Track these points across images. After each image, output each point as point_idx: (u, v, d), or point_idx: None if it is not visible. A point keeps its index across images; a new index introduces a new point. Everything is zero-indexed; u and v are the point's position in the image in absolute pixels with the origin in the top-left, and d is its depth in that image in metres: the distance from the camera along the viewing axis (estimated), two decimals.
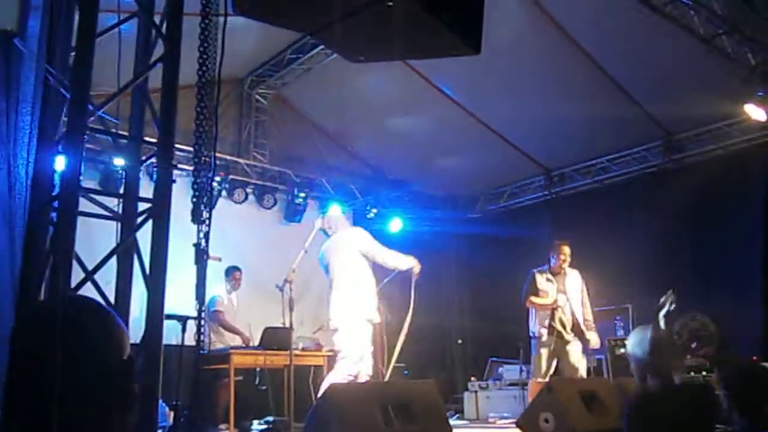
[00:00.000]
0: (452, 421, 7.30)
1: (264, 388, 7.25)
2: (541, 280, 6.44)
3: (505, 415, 7.20)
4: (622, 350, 7.20)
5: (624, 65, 7.06)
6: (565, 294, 6.39)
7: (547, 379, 6.16)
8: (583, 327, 6.27)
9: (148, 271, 2.66)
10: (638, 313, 7.54)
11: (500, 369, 8.20)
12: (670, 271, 7.24)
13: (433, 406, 4.43)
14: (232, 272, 7.42)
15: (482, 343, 9.17)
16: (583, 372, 6.28)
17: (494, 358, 8.44)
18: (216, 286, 7.31)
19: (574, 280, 6.50)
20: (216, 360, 6.69)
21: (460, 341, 10.35)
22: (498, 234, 9.22)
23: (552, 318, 6.29)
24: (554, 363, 6.28)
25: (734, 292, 6.81)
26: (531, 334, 6.50)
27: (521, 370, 7.84)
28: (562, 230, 8.25)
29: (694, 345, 6.30)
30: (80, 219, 2.71)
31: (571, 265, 6.41)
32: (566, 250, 6.43)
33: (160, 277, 2.66)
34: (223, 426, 6.63)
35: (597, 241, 7.48)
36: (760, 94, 6.05)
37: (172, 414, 3.79)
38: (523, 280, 8.91)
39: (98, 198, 3.04)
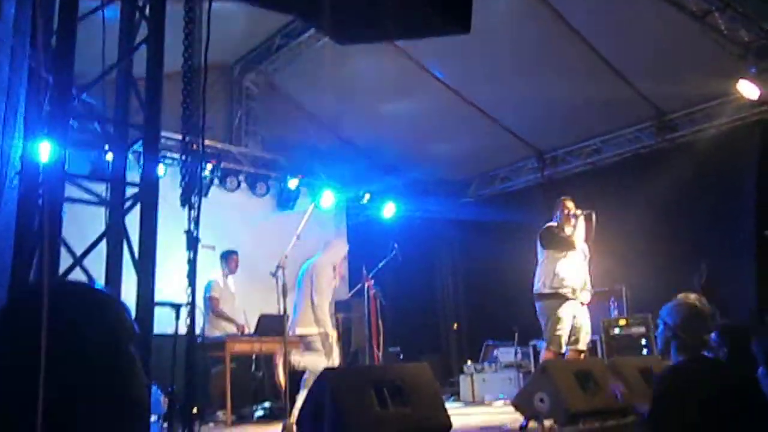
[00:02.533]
0: (448, 404, 7.34)
1: (260, 374, 7.27)
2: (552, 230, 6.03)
3: (501, 396, 7.24)
4: (617, 330, 7.23)
5: (616, 45, 7.02)
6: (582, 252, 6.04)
7: (564, 350, 5.82)
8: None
9: (137, 256, 2.64)
10: (632, 294, 7.56)
11: (495, 352, 8.24)
12: (663, 251, 7.26)
13: (427, 388, 4.44)
14: (228, 256, 7.40)
15: (477, 327, 9.21)
16: (587, 338, 6.03)
17: (489, 341, 8.47)
18: (212, 272, 7.31)
19: (581, 234, 6.06)
20: (212, 348, 6.70)
21: (455, 325, 10.37)
22: (491, 218, 9.22)
23: (569, 273, 5.86)
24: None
25: (728, 269, 6.84)
26: (541, 292, 5.99)
27: (516, 353, 7.88)
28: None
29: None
30: (70, 206, 2.69)
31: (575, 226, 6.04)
32: (569, 204, 6.11)
33: (150, 261, 2.64)
34: (220, 413, 6.65)
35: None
36: (753, 70, 6.01)
37: (167, 401, 3.78)
38: (517, 264, 8.94)
39: (87, 185, 3.01)
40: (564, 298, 5.90)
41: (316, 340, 5.98)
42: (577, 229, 6.04)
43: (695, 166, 7.31)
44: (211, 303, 7.14)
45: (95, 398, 1.02)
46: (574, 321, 5.91)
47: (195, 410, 6.46)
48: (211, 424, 6.44)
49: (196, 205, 3.20)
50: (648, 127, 8.09)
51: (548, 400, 4.87)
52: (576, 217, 6.05)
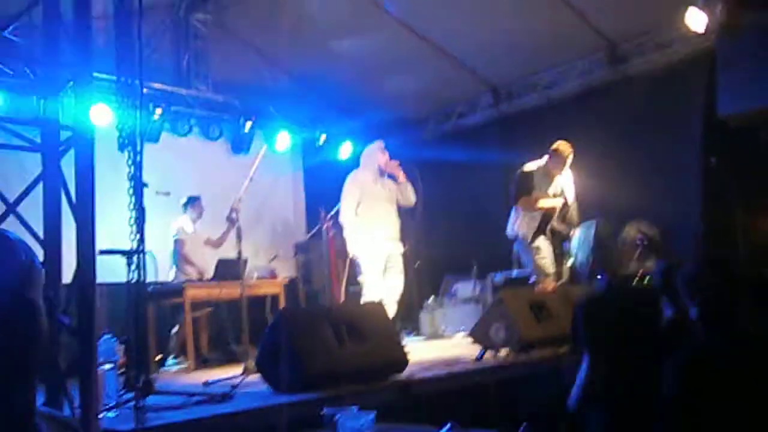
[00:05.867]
0: (409, 338, 7.50)
1: (223, 320, 7.26)
2: (536, 177, 6.14)
3: (461, 328, 7.39)
4: (569, 261, 7.36)
5: None
6: (560, 196, 6.21)
7: (553, 276, 6.01)
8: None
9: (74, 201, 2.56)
10: None
11: (454, 286, 8.38)
12: (617, 183, 7.36)
13: (384, 326, 4.52)
14: (194, 202, 7.34)
15: (437, 263, 9.31)
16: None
17: (448, 276, 8.59)
18: (178, 218, 7.26)
19: (568, 179, 6.29)
20: (171, 294, 6.67)
21: (417, 264, 10.47)
22: (448, 156, 9.21)
23: (543, 221, 6.08)
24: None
25: (678, 199, 7.01)
26: (516, 236, 6.23)
27: (474, 286, 8.02)
28: (513, 149, 8.29)
29: (638, 252, 6.52)
30: (8, 153, 2.58)
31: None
32: (570, 155, 6.13)
33: (88, 207, 2.56)
34: (180, 358, 6.67)
35: None
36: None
37: (122, 349, 3.77)
38: (475, 201, 9.04)
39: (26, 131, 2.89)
40: (531, 242, 6.11)
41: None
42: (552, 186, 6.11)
43: (646, 96, 7.38)
44: (177, 246, 7.14)
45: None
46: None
47: (158, 357, 6.53)
48: (174, 369, 6.48)
49: (139, 148, 3.11)
50: (599, 58, 8.08)
51: (503, 330, 5.02)
52: (563, 167, 6.10)
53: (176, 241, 7.16)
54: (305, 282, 8.32)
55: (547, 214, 6.14)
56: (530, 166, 6.27)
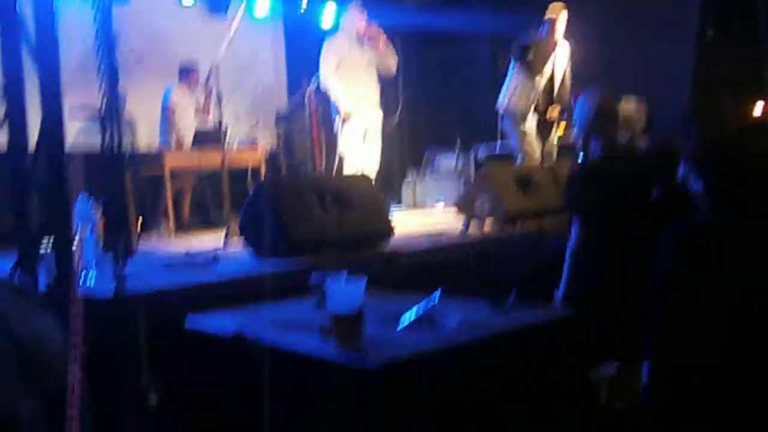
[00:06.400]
0: (390, 208, 7.49)
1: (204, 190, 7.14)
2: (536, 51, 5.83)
3: (441, 198, 7.37)
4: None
5: None
6: (552, 70, 6.00)
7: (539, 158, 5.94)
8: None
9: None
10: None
11: (437, 159, 8.28)
12: (612, 53, 7.11)
13: (370, 196, 4.45)
14: (189, 72, 7.01)
15: (419, 137, 9.15)
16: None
17: (431, 150, 8.46)
18: (172, 86, 7.00)
19: (563, 55, 6.05)
20: (150, 162, 6.51)
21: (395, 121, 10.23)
22: (434, 26, 8.78)
23: (537, 95, 5.91)
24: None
25: (669, 74, 6.82)
26: (506, 111, 6.06)
27: (457, 159, 7.93)
28: (504, 18, 7.90)
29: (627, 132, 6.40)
30: None
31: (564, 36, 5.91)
32: (563, 15, 5.80)
33: (51, 50, 2.32)
34: (163, 226, 6.62)
35: None
36: None
37: (100, 209, 3.65)
38: (461, 72, 8.74)
39: None
40: (522, 118, 5.94)
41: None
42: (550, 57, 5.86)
43: None
44: (165, 114, 6.88)
45: None
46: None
47: (140, 220, 6.44)
48: (154, 234, 6.44)
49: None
50: None
51: (488, 202, 5.00)
52: (556, 33, 5.75)
53: (164, 109, 6.88)
54: (287, 154, 8.16)
55: (544, 90, 5.93)
56: (528, 39, 5.97)
